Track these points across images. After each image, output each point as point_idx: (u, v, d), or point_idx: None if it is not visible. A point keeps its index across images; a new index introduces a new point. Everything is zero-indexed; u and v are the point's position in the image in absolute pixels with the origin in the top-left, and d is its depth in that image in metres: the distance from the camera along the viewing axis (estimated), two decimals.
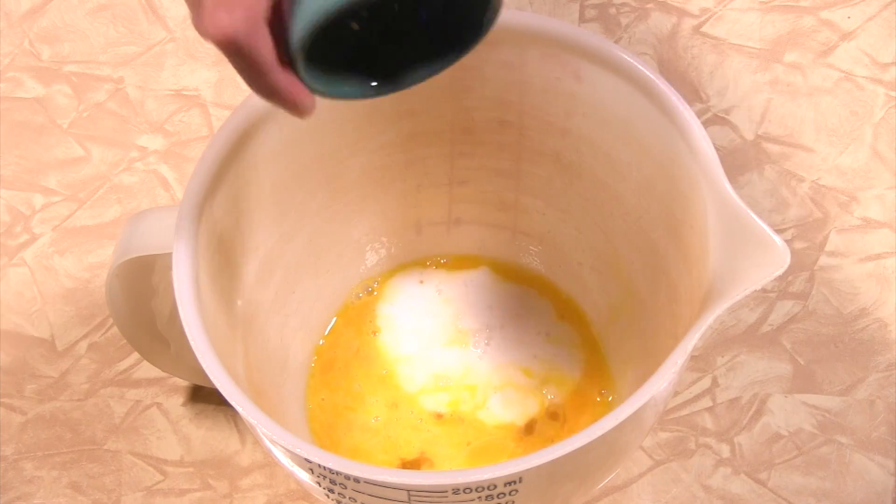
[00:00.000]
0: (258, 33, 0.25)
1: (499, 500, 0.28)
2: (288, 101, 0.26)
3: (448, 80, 0.34)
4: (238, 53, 0.25)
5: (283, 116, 0.33)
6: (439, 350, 0.39)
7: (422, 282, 0.41)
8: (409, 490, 0.28)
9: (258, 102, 0.32)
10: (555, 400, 0.38)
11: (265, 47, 0.25)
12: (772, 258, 0.28)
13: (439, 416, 0.38)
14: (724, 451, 0.39)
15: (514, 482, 0.28)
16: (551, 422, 0.38)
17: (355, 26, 0.29)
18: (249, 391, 0.32)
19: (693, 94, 0.46)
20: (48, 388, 0.41)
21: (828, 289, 0.42)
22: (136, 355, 0.41)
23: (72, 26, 0.49)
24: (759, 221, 0.28)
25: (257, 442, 0.40)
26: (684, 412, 0.40)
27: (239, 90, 0.47)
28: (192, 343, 0.29)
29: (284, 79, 0.26)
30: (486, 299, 0.40)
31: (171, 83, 0.48)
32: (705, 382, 0.40)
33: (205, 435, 0.40)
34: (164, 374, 0.41)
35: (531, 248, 0.40)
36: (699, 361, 0.41)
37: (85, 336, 0.42)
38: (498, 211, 0.39)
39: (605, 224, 0.37)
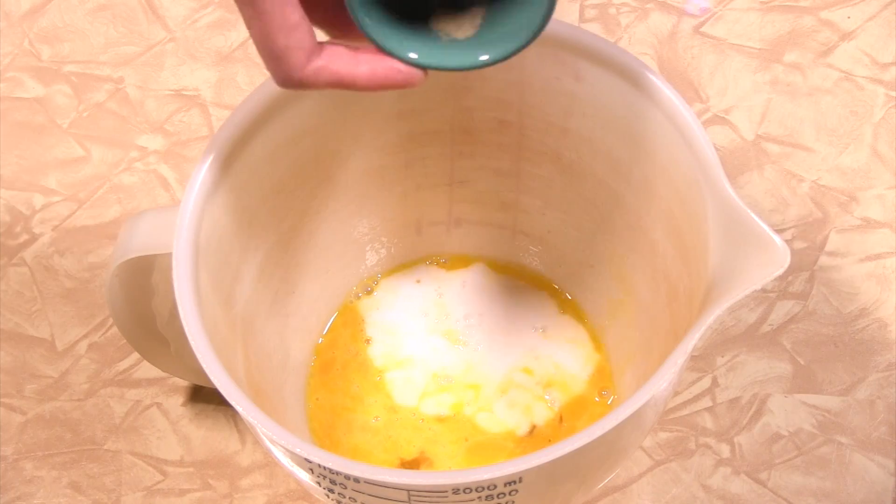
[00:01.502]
0: (342, 59, 0.28)
1: (499, 500, 0.28)
2: (400, 82, 0.28)
3: (448, 80, 0.35)
4: (341, 84, 0.28)
5: (283, 116, 0.33)
6: (438, 351, 0.39)
7: (419, 281, 0.41)
8: (409, 490, 0.28)
9: (258, 102, 0.32)
10: (555, 400, 0.38)
11: (356, 69, 0.28)
12: (772, 258, 0.28)
13: (440, 418, 0.38)
14: (724, 451, 0.39)
15: (514, 482, 0.27)
16: (551, 421, 0.38)
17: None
18: (249, 391, 0.32)
19: (693, 94, 0.46)
20: (48, 388, 0.41)
21: (828, 289, 0.42)
22: (136, 355, 0.41)
23: (72, 26, 0.49)
24: (759, 221, 0.28)
25: (257, 442, 0.40)
26: (684, 412, 0.40)
27: (239, 90, 0.47)
28: (192, 343, 0.29)
29: (386, 69, 0.28)
30: (485, 299, 0.40)
31: (171, 83, 0.48)
32: (705, 382, 0.40)
33: (205, 435, 0.40)
34: (164, 374, 0.41)
35: (531, 247, 0.40)
36: (699, 361, 0.41)
37: (85, 336, 0.42)
38: (498, 211, 0.39)
39: (605, 224, 0.37)
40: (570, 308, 0.40)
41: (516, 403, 0.38)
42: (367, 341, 0.39)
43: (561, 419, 0.38)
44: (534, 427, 0.38)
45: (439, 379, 0.38)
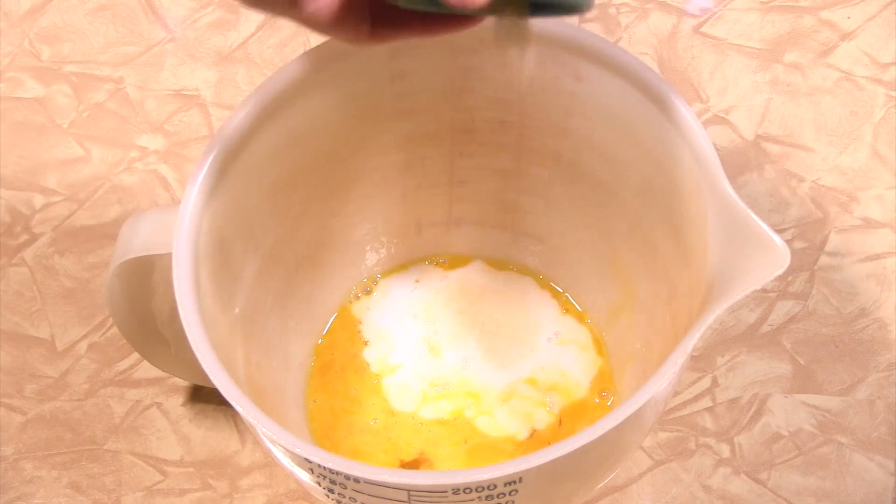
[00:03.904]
0: None
1: (499, 500, 0.28)
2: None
3: (448, 80, 0.35)
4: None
5: (282, 117, 0.33)
6: (436, 356, 0.39)
7: (418, 280, 0.41)
8: (409, 490, 0.28)
9: (258, 102, 0.32)
10: (555, 403, 0.38)
11: None
12: (772, 258, 0.28)
13: (440, 421, 0.38)
14: (724, 451, 0.39)
15: (514, 482, 0.27)
16: (551, 424, 0.38)
17: None
18: (249, 391, 0.32)
19: (693, 94, 0.46)
20: (48, 388, 0.41)
21: (828, 289, 0.42)
22: (136, 355, 0.41)
23: (72, 26, 0.49)
24: (759, 221, 0.28)
25: (257, 442, 0.40)
26: (684, 412, 0.40)
27: (239, 90, 0.47)
28: (192, 343, 0.29)
29: None
30: (486, 300, 0.40)
31: (171, 83, 0.48)
32: (705, 382, 0.40)
33: (205, 435, 0.40)
34: (164, 374, 0.41)
35: (531, 248, 0.40)
36: (699, 361, 0.41)
37: (85, 336, 0.42)
38: (498, 211, 0.39)
39: (605, 224, 0.37)
40: (572, 309, 0.40)
41: (517, 411, 0.38)
42: (365, 343, 0.39)
43: (560, 422, 0.38)
44: (534, 431, 0.38)
45: (437, 387, 0.38)
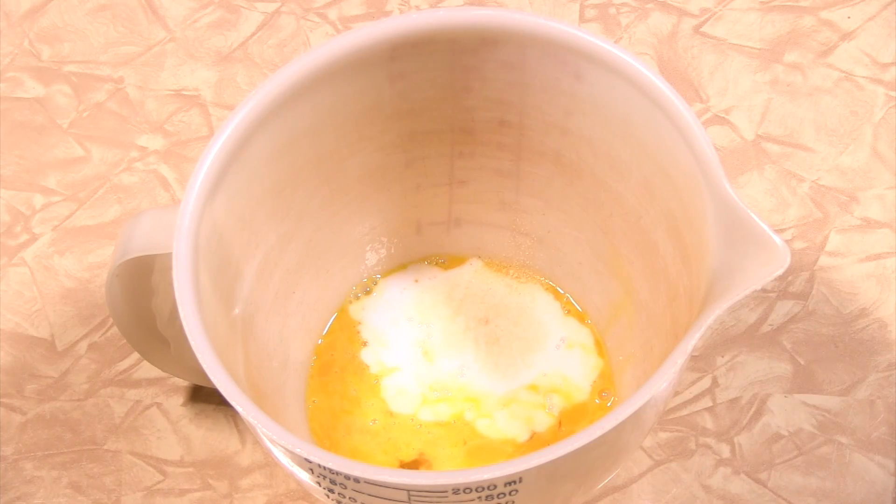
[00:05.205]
0: None
1: (499, 500, 0.28)
2: None
3: (448, 80, 0.35)
4: None
5: (283, 116, 0.33)
6: (434, 358, 0.39)
7: (417, 280, 0.41)
8: (409, 490, 0.28)
9: (258, 102, 0.32)
10: (554, 405, 0.38)
11: None
12: (772, 258, 0.28)
13: (440, 423, 0.38)
14: (724, 451, 0.39)
15: (514, 482, 0.27)
16: (551, 427, 0.38)
17: None
18: (249, 391, 0.32)
19: (693, 94, 0.46)
20: (48, 388, 0.41)
21: (828, 289, 0.42)
22: (136, 355, 0.41)
23: (72, 26, 0.49)
24: (759, 221, 0.28)
25: (257, 442, 0.40)
26: (684, 412, 0.40)
27: (239, 90, 0.47)
28: (192, 343, 0.29)
29: None
30: (485, 301, 0.40)
31: (171, 83, 0.48)
32: (705, 382, 0.40)
33: (205, 435, 0.40)
34: (164, 374, 0.41)
35: (531, 248, 0.40)
36: (699, 361, 0.41)
37: (85, 336, 0.42)
38: (498, 211, 0.39)
39: (605, 224, 0.37)
40: (573, 310, 0.40)
41: (518, 415, 0.38)
42: (364, 344, 0.39)
43: (560, 424, 0.38)
44: (533, 434, 0.37)
45: (435, 391, 0.38)
